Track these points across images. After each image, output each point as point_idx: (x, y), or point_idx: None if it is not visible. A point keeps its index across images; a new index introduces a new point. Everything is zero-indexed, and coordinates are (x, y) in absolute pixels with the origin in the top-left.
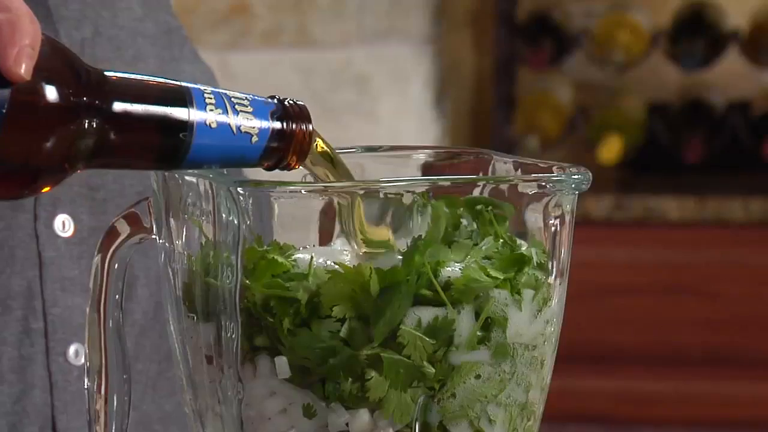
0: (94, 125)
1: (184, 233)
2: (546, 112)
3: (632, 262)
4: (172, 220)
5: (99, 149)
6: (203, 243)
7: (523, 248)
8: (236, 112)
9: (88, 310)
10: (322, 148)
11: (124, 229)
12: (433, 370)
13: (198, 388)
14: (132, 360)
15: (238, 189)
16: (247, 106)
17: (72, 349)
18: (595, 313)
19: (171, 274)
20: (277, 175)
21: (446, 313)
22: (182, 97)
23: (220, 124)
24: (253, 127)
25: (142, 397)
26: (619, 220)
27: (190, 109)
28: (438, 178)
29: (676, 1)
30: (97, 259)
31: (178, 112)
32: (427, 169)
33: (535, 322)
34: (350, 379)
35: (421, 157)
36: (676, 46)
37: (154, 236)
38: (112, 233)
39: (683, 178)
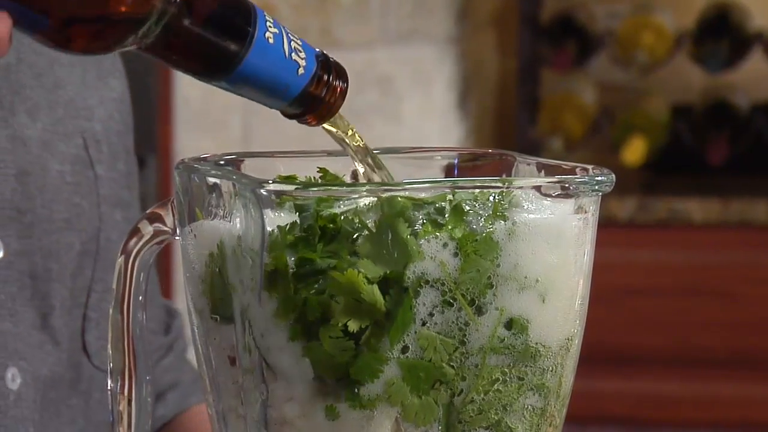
0: (176, 1)
1: (206, 234)
2: (570, 114)
3: (655, 263)
4: (194, 222)
5: (170, 29)
6: (225, 244)
7: None
8: (290, 40)
9: (111, 311)
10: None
11: (147, 230)
12: (454, 371)
13: (221, 389)
14: None
15: (262, 191)
16: (298, 41)
17: (9, 374)
18: (618, 314)
19: (193, 274)
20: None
21: (463, 312)
22: (249, 10)
23: (276, 42)
24: (303, 58)
25: None
26: (642, 222)
27: (255, 22)
28: (461, 180)
29: (701, 2)
30: (120, 260)
31: (244, 20)
32: (450, 170)
33: (557, 323)
34: (371, 384)
35: (445, 158)
36: (701, 48)
37: (177, 237)
38: (135, 234)
39: (707, 180)
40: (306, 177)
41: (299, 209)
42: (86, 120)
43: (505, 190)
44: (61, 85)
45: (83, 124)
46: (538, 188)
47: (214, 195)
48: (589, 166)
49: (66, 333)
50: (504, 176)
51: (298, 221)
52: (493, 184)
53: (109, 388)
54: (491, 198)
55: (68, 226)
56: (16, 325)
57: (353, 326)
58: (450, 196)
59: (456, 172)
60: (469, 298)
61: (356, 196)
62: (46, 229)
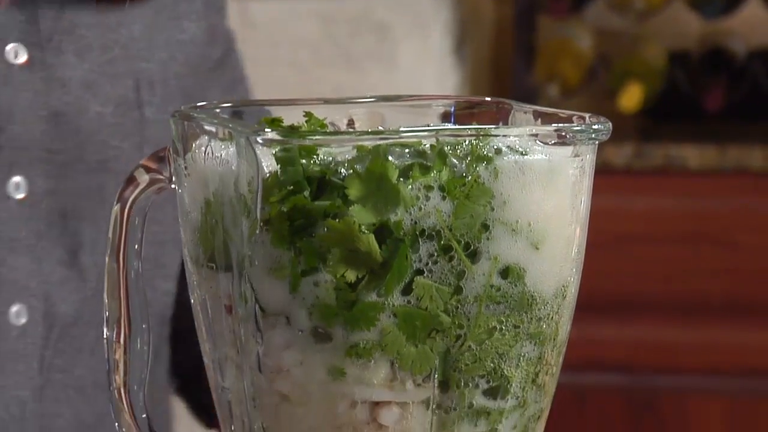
0: None
1: (202, 182)
2: (566, 60)
3: (652, 210)
4: (191, 169)
5: None
6: (221, 192)
7: None
8: None
9: (107, 259)
10: None
11: (143, 178)
12: (450, 319)
13: (217, 337)
14: None
15: (258, 138)
16: None
17: (14, 310)
18: (615, 261)
19: (190, 223)
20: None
21: (458, 260)
22: None
23: None
24: None
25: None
26: (639, 169)
27: None
28: (457, 128)
29: None
30: (116, 208)
31: None
32: (446, 118)
33: (553, 271)
34: (367, 332)
35: (441, 106)
36: None
37: (173, 186)
38: (131, 183)
39: (704, 127)
40: (298, 123)
41: (294, 157)
42: (144, 61)
43: (497, 137)
44: (126, 24)
45: (140, 65)
46: (534, 136)
47: (209, 143)
48: (586, 115)
49: (95, 272)
50: (500, 125)
51: (293, 169)
52: (488, 133)
53: (105, 336)
54: (481, 144)
55: (102, 168)
56: (38, 262)
57: (350, 276)
58: (434, 142)
59: (452, 120)
60: (463, 243)
61: (350, 143)
62: (78, 170)
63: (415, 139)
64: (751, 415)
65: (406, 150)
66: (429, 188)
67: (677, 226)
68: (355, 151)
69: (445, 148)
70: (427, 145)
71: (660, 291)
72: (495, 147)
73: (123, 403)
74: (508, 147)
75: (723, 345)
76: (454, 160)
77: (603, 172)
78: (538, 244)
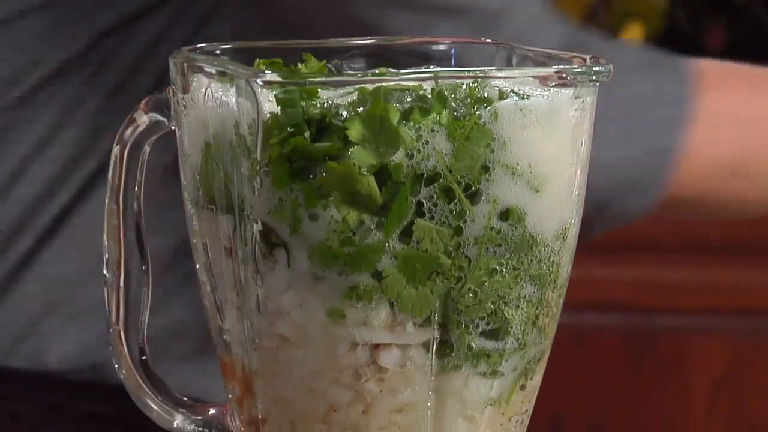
0: None
1: (202, 124)
2: (567, 0)
3: None
4: (191, 110)
5: None
6: (221, 134)
7: None
8: None
9: (107, 201)
10: None
11: (142, 119)
12: (450, 261)
13: (217, 280)
14: None
15: (258, 80)
16: None
17: None
18: None
19: (189, 165)
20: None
21: (458, 202)
22: None
23: None
24: None
25: None
26: None
27: None
28: (457, 70)
29: None
30: (116, 149)
31: None
32: (446, 60)
33: (554, 213)
34: (367, 274)
35: (442, 48)
36: None
37: (173, 127)
38: (130, 124)
39: None
40: (295, 65)
41: (295, 99)
42: None
43: (497, 79)
44: None
45: None
46: (535, 78)
47: (209, 85)
48: (587, 56)
49: None
50: (501, 66)
51: (293, 111)
52: (488, 75)
53: (105, 278)
54: (481, 87)
55: None
56: None
57: (350, 218)
58: (434, 84)
59: (453, 62)
60: (463, 185)
61: (351, 85)
62: None
63: (415, 82)
64: (751, 354)
65: (407, 94)
66: (429, 130)
67: None
68: (356, 94)
69: (445, 91)
70: (428, 89)
71: (660, 231)
72: (495, 89)
73: (122, 346)
74: (508, 89)
75: (722, 285)
76: (454, 104)
77: None
78: (539, 186)
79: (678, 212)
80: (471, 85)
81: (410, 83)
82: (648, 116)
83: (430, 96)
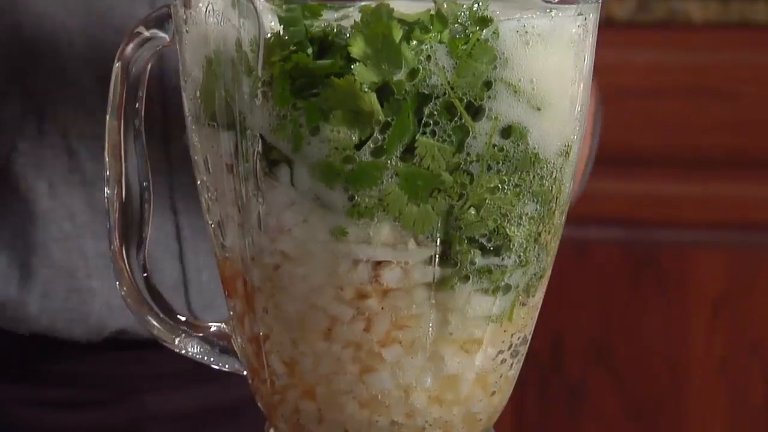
0: None
1: (204, 41)
2: None
3: (655, 64)
4: (192, 27)
5: None
6: (222, 51)
7: None
8: None
9: (108, 117)
10: None
11: (144, 36)
12: (451, 179)
13: (219, 197)
14: None
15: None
16: None
17: None
18: (617, 116)
19: (191, 81)
20: None
21: (460, 119)
22: None
23: None
24: None
25: None
26: (641, 22)
27: None
28: None
29: None
30: (117, 66)
31: None
32: None
33: (556, 129)
34: (369, 191)
35: None
36: None
37: (174, 44)
38: (132, 40)
39: None
40: None
41: (297, 17)
42: None
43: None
44: None
45: None
46: None
47: (210, 1)
48: None
49: None
50: None
51: (295, 29)
52: None
53: (106, 195)
54: (482, 5)
55: None
56: None
57: (352, 136)
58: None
59: None
60: (465, 102)
61: (354, 2)
62: None
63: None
64: (751, 268)
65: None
66: (431, 47)
67: (680, 79)
68: (358, 13)
69: (445, 11)
70: (431, 11)
71: (662, 144)
72: (496, 12)
73: (123, 263)
74: (510, 7)
75: (724, 198)
76: (456, 25)
77: (605, 26)
78: (541, 103)
79: None
80: (472, 8)
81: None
82: None
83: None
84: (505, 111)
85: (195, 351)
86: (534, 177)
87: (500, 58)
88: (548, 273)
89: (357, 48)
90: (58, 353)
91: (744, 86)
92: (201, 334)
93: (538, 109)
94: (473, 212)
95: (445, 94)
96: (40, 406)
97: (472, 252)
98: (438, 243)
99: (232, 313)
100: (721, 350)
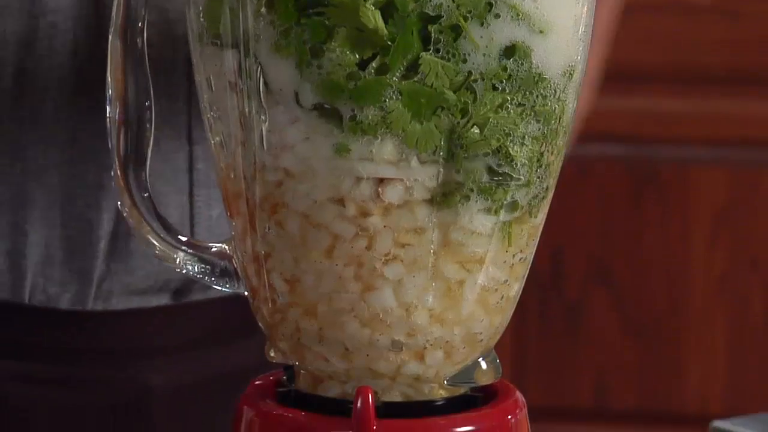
0: None
1: None
2: None
3: None
4: None
5: None
6: None
7: None
8: None
9: (110, 37)
10: None
11: None
12: (455, 97)
13: (221, 115)
14: None
15: None
16: None
17: None
18: (618, 32)
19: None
20: None
21: (465, 37)
22: None
23: None
24: None
25: None
26: None
27: None
28: None
29: None
30: None
31: None
32: None
33: (560, 49)
34: (373, 108)
35: None
36: None
37: None
38: None
39: None
40: None
41: None
42: None
43: None
44: None
45: None
46: None
47: None
48: None
49: None
50: None
51: None
52: None
53: (108, 115)
54: None
55: None
56: None
57: (356, 53)
58: None
59: None
60: (470, 20)
61: None
62: None
63: None
64: (751, 184)
65: None
66: None
67: None
68: None
69: None
70: None
71: (663, 61)
72: None
73: (124, 182)
74: None
75: (725, 115)
76: None
77: None
78: (545, 22)
79: None
80: None
81: None
82: None
83: None
84: (508, 30)
85: (195, 270)
86: (537, 96)
87: None
88: (551, 194)
89: None
90: (53, 325)
91: (744, 2)
92: (202, 254)
93: (542, 29)
94: (476, 131)
95: (449, 11)
96: (40, 383)
97: (475, 171)
98: (441, 161)
99: (233, 232)
100: (721, 267)
